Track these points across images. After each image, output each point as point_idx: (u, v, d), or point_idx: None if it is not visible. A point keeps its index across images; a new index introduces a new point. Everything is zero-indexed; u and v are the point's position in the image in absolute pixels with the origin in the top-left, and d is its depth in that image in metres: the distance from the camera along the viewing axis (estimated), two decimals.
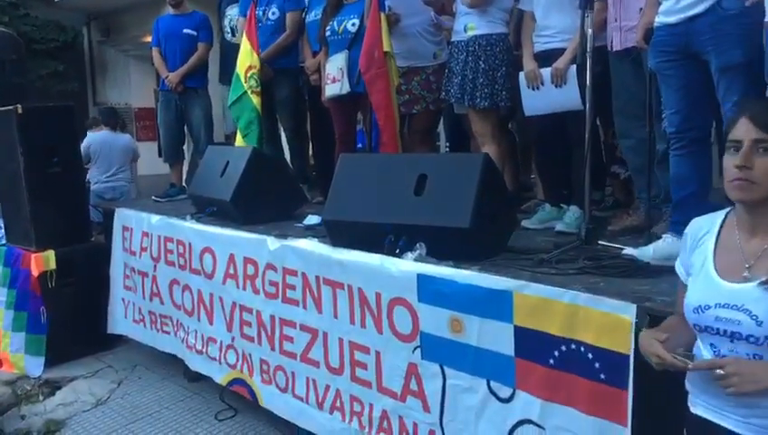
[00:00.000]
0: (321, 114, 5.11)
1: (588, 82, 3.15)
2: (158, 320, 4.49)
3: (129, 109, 13.87)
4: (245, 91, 4.94)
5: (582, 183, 3.27)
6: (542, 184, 4.22)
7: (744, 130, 1.63)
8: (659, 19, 2.75)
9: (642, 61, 3.16)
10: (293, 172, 5.55)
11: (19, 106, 4.72)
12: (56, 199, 4.87)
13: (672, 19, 2.66)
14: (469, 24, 3.97)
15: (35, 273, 4.74)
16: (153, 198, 5.66)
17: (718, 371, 1.59)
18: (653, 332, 1.79)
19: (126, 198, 7.06)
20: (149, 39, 6.09)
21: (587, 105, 3.22)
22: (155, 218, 4.43)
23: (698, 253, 1.75)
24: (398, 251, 2.86)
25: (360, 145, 5.80)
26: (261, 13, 5.28)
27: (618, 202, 4.40)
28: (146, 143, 11.89)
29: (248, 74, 4.95)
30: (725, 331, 1.61)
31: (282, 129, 5.63)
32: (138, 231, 4.57)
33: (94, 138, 7.51)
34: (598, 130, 4.07)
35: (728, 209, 1.76)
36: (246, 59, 4.99)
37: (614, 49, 3.40)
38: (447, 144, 5.43)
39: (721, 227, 1.74)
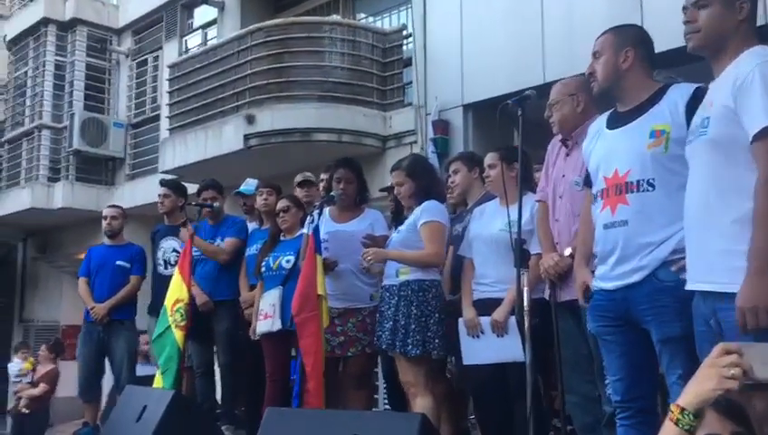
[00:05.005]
0: (256, 349, 4.87)
1: (527, 338, 3.05)
2: None
3: (57, 326, 13.28)
4: (169, 326, 4.70)
5: None
6: None
7: (719, 425, 1.57)
8: (596, 283, 2.66)
9: (581, 316, 3.07)
10: (222, 409, 5.21)
11: None
12: None
13: (609, 285, 2.57)
14: (401, 269, 3.91)
15: None
16: None
17: None
18: None
19: None
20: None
21: (527, 360, 3.08)
22: None
23: None
24: None
25: (293, 376, 5.54)
26: None
27: None
28: (71, 362, 11.29)
29: (174, 308, 4.74)
30: None
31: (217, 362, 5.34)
32: None
33: None
34: (539, 382, 3.93)
35: None
36: (176, 292, 4.81)
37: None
38: (385, 385, 5.19)
39: None
